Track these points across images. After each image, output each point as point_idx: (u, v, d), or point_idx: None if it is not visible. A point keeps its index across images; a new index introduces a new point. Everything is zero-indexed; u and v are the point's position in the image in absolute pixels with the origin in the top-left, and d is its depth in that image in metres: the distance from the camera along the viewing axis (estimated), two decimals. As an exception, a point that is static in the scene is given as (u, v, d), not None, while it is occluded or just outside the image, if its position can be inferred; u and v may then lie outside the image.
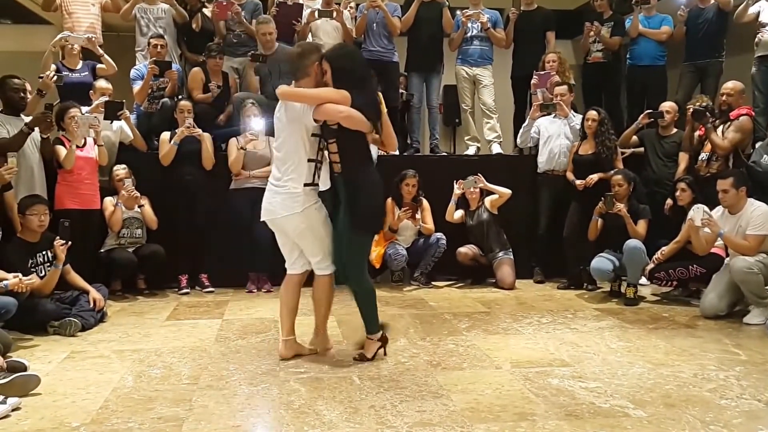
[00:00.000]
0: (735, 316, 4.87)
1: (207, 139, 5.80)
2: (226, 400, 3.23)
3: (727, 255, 5.05)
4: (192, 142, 5.72)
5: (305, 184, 3.67)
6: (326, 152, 3.73)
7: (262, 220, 3.80)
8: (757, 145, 5.62)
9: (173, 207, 5.76)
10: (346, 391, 3.34)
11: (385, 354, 3.88)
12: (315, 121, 3.57)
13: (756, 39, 6.41)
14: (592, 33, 6.90)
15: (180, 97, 6.18)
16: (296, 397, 3.26)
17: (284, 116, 3.65)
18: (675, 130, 6.15)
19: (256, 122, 5.75)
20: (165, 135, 5.79)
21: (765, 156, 5.39)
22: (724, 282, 4.90)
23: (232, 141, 5.86)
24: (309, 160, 3.67)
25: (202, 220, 5.80)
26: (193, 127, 5.69)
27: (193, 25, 6.70)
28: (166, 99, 6.15)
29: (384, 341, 3.90)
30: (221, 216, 5.87)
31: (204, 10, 6.79)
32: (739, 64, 6.75)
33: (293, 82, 3.69)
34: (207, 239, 5.88)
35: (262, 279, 5.91)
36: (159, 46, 6.19)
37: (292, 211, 3.66)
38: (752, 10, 6.44)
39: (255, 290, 5.86)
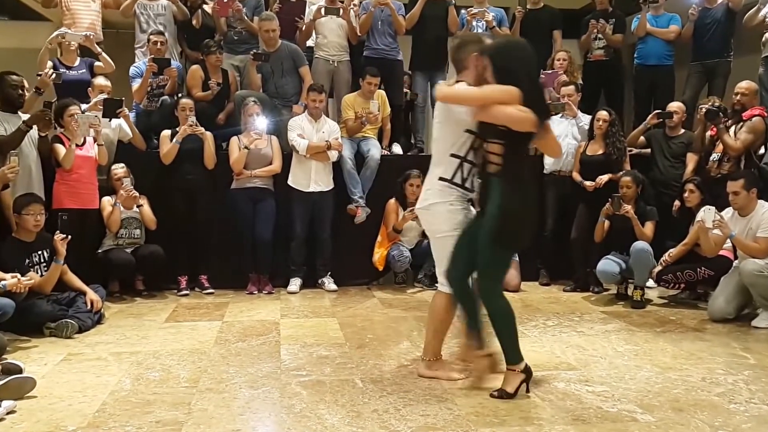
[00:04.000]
0: (743, 320, 4.80)
1: (209, 137, 5.73)
2: (226, 403, 3.18)
3: (736, 257, 4.97)
4: (193, 141, 5.65)
5: (440, 178, 3.32)
6: (474, 151, 3.32)
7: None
8: None
9: (172, 207, 5.68)
10: (348, 394, 3.29)
11: (528, 391, 3.29)
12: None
13: (763, 39, 6.33)
14: (596, 30, 6.83)
15: (180, 95, 6.11)
16: (297, 401, 3.20)
17: (439, 108, 3.33)
18: (683, 130, 6.08)
19: (259, 121, 5.69)
20: (165, 133, 5.72)
21: None
22: (732, 285, 4.83)
23: (234, 140, 5.79)
24: (452, 155, 3.30)
25: (202, 220, 5.73)
26: (196, 125, 5.62)
27: (194, 22, 6.64)
28: (165, 97, 6.10)
29: (528, 374, 3.28)
30: (222, 216, 5.80)
31: (205, 6, 6.72)
32: (746, 65, 6.67)
33: (454, 75, 3.33)
34: (207, 240, 5.81)
35: (263, 280, 5.84)
36: (159, 44, 6.13)
37: (421, 203, 3.38)
38: (761, 13, 6.36)
39: (256, 292, 5.78)
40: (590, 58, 7.05)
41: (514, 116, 3.07)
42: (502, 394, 3.22)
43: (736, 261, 4.91)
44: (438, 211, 3.33)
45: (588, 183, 5.76)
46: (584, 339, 4.35)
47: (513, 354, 3.26)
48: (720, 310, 4.81)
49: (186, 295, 5.67)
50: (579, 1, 7.88)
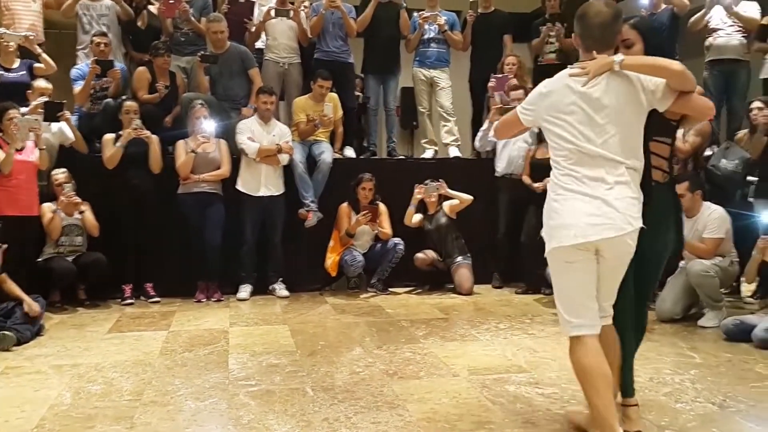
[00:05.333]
0: (690, 320, 4.89)
1: (155, 141, 5.58)
2: (171, 416, 3.08)
3: (682, 258, 5.06)
4: (138, 145, 5.50)
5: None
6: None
7: (582, 241, 2.50)
8: (715, 148, 5.67)
9: (116, 213, 5.52)
10: (298, 403, 3.23)
11: None
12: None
13: (706, 43, 6.49)
14: (552, 33, 6.89)
15: (124, 97, 5.94)
16: (246, 412, 3.12)
17: (618, 95, 2.51)
18: None
19: (206, 124, 5.58)
20: (108, 136, 5.55)
21: (723, 160, 5.43)
22: (679, 285, 4.91)
23: (180, 143, 5.66)
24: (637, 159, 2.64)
25: (147, 226, 5.58)
26: (141, 128, 5.47)
27: (139, 23, 6.51)
28: (109, 99, 5.93)
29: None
30: (168, 222, 5.65)
31: (150, 7, 6.58)
32: (691, 68, 6.78)
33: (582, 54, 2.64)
34: (152, 246, 5.65)
35: (212, 287, 5.72)
36: (102, 45, 5.95)
37: (634, 224, 2.51)
38: (706, 17, 6.52)
39: (204, 299, 5.65)
40: (541, 62, 7.12)
41: (704, 104, 2.59)
42: None
43: (683, 262, 4.99)
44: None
45: (537, 185, 5.81)
46: (535, 341, 4.37)
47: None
48: (668, 311, 4.88)
49: (130, 304, 5.50)
50: (529, 5, 7.95)
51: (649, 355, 3.99)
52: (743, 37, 6.42)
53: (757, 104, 5.49)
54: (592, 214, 2.48)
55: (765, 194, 5.15)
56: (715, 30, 6.47)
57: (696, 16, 6.54)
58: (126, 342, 4.39)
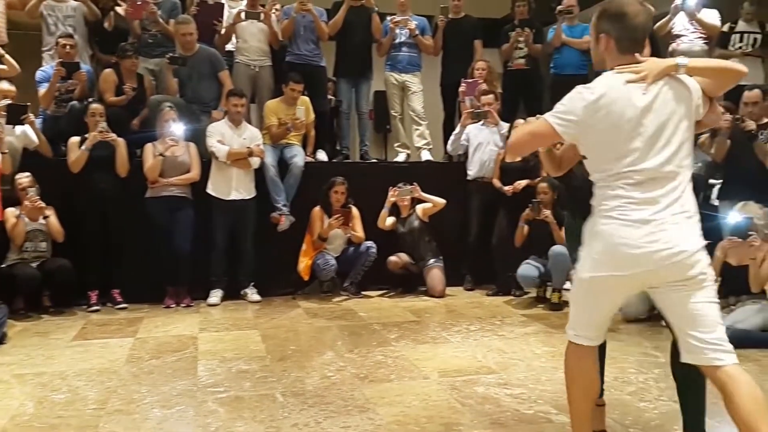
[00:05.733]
0: (655, 319, 4.88)
1: (121, 144, 5.50)
2: (136, 425, 3.03)
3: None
4: (104, 148, 5.41)
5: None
6: None
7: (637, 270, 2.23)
8: None
9: (82, 217, 5.42)
10: (267, 409, 3.20)
11: None
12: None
13: (670, 49, 6.58)
14: (521, 38, 6.94)
15: (90, 99, 5.84)
16: (214, 419, 3.09)
17: (677, 103, 2.24)
18: None
19: (175, 127, 5.52)
20: (73, 140, 5.45)
21: None
22: (645, 286, 4.94)
23: (148, 146, 5.58)
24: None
25: (114, 230, 5.49)
26: (107, 131, 5.39)
27: (106, 24, 6.41)
28: (74, 102, 5.83)
29: None
30: (136, 226, 5.55)
31: (117, 8, 6.48)
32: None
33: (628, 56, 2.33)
34: (120, 251, 5.55)
35: (182, 293, 5.63)
36: (68, 47, 5.86)
37: (698, 243, 2.25)
38: (671, 23, 6.62)
39: (174, 305, 5.56)
40: (511, 67, 7.16)
41: (719, 111, 2.59)
42: None
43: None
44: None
45: (507, 188, 5.86)
46: (505, 342, 4.40)
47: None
48: (633, 311, 4.92)
49: (97, 311, 5.39)
50: (499, 11, 8.01)
51: (614, 355, 4.02)
52: (705, 43, 6.57)
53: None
54: (645, 239, 2.18)
55: (729, 196, 5.21)
56: (678, 36, 6.58)
57: (660, 22, 6.64)
58: (91, 350, 4.31)
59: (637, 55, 2.31)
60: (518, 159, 5.85)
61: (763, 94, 5.34)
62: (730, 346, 2.22)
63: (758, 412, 2.11)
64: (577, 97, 2.29)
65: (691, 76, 2.27)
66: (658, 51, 2.58)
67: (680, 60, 2.25)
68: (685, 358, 2.28)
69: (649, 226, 2.19)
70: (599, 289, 2.33)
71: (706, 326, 2.23)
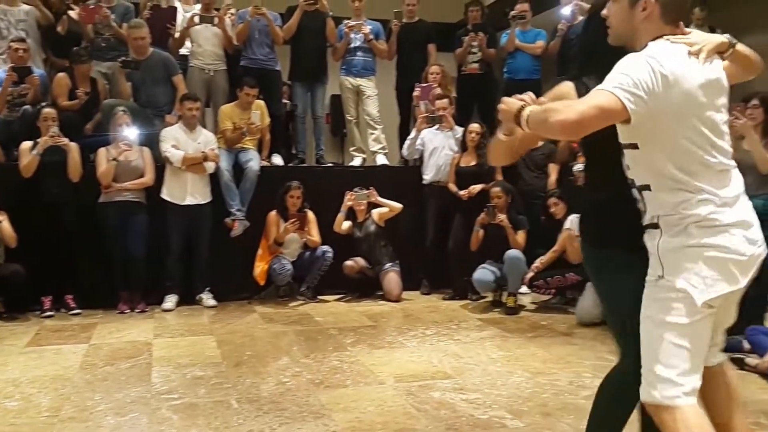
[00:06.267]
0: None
1: (74, 148, 5.42)
2: (89, 433, 3.00)
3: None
4: (56, 153, 5.33)
5: None
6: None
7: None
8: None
9: (35, 222, 5.32)
10: (222, 416, 3.20)
11: None
12: None
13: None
14: (475, 43, 7.03)
15: (43, 104, 5.75)
16: (167, 426, 3.09)
17: (726, 85, 1.98)
18: (542, 142, 6.33)
19: (128, 131, 5.46)
20: (25, 144, 5.36)
21: None
22: (598, 289, 5.05)
23: (101, 151, 5.52)
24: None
25: (67, 235, 5.41)
26: (58, 136, 5.31)
27: (59, 28, 6.31)
28: (27, 106, 5.73)
29: None
30: (90, 231, 5.49)
31: (70, 12, 6.39)
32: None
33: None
34: (73, 257, 5.48)
35: (136, 298, 5.58)
36: (20, 51, 5.75)
37: None
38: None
39: (128, 310, 5.51)
40: (465, 72, 7.26)
41: None
42: None
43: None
44: None
45: (462, 192, 5.94)
46: (461, 347, 4.45)
47: None
48: (587, 314, 5.04)
49: (50, 316, 5.31)
50: (453, 15, 8.10)
51: (570, 359, 4.14)
52: None
53: None
54: (751, 242, 1.89)
55: None
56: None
57: None
58: (45, 356, 4.25)
59: (681, 25, 1.96)
60: (472, 163, 5.95)
61: None
62: None
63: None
64: (644, 67, 1.80)
65: (726, 60, 1.97)
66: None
67: (730, 38, 1.96)
68: (719, 357, 2.07)
69: (743, 228, 1.88)
70: (709, 307, 1.87)
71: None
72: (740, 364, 3.77)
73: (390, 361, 4.10)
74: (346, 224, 6.13)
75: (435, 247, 6.22)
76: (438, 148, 6.26)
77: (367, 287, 6.23)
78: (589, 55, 2.23)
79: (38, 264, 5.30)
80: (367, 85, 6.93)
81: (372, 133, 6.97)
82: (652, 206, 1.91)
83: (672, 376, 1.85)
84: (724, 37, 1.95)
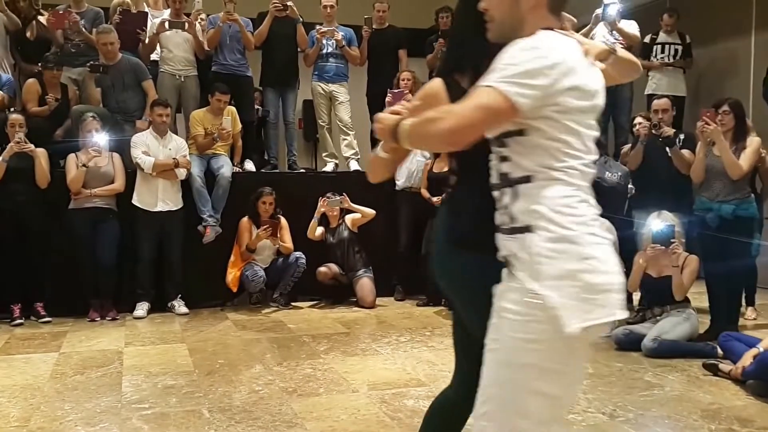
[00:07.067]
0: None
1: (41, 154, 5.35)
2: (59, 444, 2.97)
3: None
4: (23, 159, 5.25)
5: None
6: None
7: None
8: (597, 162, 5.96)
9: (2, 230, 5.25)
10: (194, 426, 3.18)
11: None
12: None
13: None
14: (443, 49, 7.07)
15: (11, 110, 5.67)
16: (139, 437, 3.04)
17: None
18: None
19: (98, 137, 5.41)
20: (-9, 152, 5.28)
21: (607, 173, 5.72)
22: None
23: (71, 157, 5.46)
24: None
25: (36, 243, 5.34)
26: (24, 142, 5.24)
27: (28, 34, 6.24)
28: (-5, 113, 5.64)
29: None
30: (59, 238, 5.44)
31: (39, 17, 6.31)
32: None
33: None
34: (43, 264, 5.41)
35: (106, 306, 5.53)
36: (-12, 57, 5.67)
37: None
38: (591, 33, 6.86)
39: (98, 318, 5.45)
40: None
41: None
42: None
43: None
44: None
45: (435, 199, 5.96)
46: (435, 354, 4.45)
47: None
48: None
49: (20, 324, 5.24)
50: (424, 21, 8.16)
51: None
52: None
53: (639, 119, 5.80)
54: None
55: (643, 205, 5.17)
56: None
57: (581, 32, 6.87)
58: (14, 365, 4.20)
59: (562, 16, 1.77)
60: (445, 169, 5.98)
61: (671, 103, 5.57)
62: None
63: None
64: (533, 55, 1.55)
65: (604, 63, 1.80)
66: None
67: (617, 48, 1.88)
68: None
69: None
70: (585, 344, 1.63)
71: None
72: (714, 370, 3.84)
73: (363, 369, 4.10)
74: (319, 230, 6.12)
75: (408, 253, 6.22)
76: (411, 153, 6.28)
77: (340, 293, 6.23)
78: (461, 44, 1.94)
79: (6, 271, 5.24)
80: (340, 91, 6.95)
81: (345, 139, 6.98)
82: (539, 205, 1.67)
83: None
84: (605, 46, 1.85)
